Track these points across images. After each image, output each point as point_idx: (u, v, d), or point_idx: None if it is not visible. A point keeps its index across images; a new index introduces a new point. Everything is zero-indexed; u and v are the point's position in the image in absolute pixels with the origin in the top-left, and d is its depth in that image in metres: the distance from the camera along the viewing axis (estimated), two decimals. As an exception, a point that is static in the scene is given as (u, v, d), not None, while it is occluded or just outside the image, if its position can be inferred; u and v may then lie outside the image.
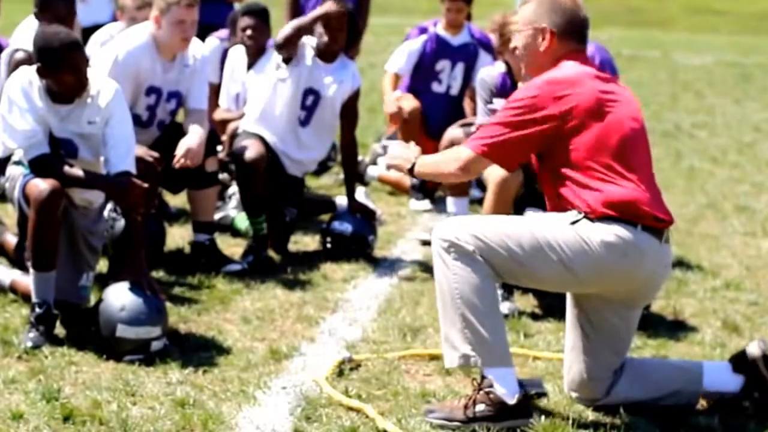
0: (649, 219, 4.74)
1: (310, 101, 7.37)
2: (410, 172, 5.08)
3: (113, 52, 6.64)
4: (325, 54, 7.37)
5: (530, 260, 4.71)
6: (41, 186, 5.54)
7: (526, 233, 4.72)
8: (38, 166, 5.62)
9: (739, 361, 5.00)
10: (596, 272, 4.72)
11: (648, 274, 4.81)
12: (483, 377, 4.77)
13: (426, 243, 7.78)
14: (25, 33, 7.45)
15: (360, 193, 8.00)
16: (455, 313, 4.71)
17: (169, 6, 6.61)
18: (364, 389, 5.11)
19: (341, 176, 9.31)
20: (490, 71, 6.99)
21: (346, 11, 7.31)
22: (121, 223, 6.16)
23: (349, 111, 7.51)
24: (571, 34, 4.90)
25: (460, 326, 4.70)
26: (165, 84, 6.78)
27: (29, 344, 5.43)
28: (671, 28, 31.89)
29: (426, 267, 7.24)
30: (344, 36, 7.34)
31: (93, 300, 5.96)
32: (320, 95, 7.37)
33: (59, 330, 5.66)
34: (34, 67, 5.66)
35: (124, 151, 5.72)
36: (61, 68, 5.59)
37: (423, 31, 9.35)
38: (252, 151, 7.08)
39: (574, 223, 4.72)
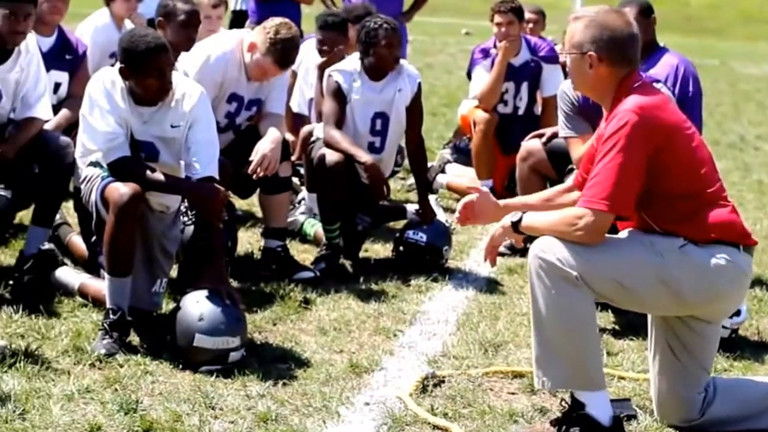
0: (746, 239, 4.66)
1: (379, 125, 7.15)
2: (515, 228, 4.68)
3: (204, 54, 6.53)
4: (379, 71, 7.14)
5: (636, 286, 4.54)
6: (122, 190, 5.39)
7: (633, 258, 4.53)
8: (119, 170, 5.49)
9: None
10: (705, 297, 4.60)
11: (744, 294, 4.77)
12: (574, 399, 4.61)
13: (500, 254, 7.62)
14: (95, 27, 7.43)
15: (431, 201, 7.83)
16: (550, 336, 4.53)
17: (271, 50, 6.51)
18: (450, 407, 4.95)
19: (408, 182, 9.17)
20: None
21: (396, 27, 7.12)
22: (191, 228, 6.03)
23: (414, 111, 7.25)
24: (622, 60, 4.62)
25: (555, 349, 4.52)
26: (247, 93, 6.67)
27: (103, 351, 5.27)
28: (727, 36, 31.60)
29: (501, 278, 7.07)
30: (399, 51, 7.16)
31: (164, 307, 5.83)
32: (388, 116, 7.17)
33: (132, 337, 5.52)
34: (117, 67, 5.54)
35: (209, 157, 5.57)
36: (145, 72, 5.46)
37: (485, 52, 9.11)
38: (332, 155, 6.87)
39: (682, 247, 4.55)
